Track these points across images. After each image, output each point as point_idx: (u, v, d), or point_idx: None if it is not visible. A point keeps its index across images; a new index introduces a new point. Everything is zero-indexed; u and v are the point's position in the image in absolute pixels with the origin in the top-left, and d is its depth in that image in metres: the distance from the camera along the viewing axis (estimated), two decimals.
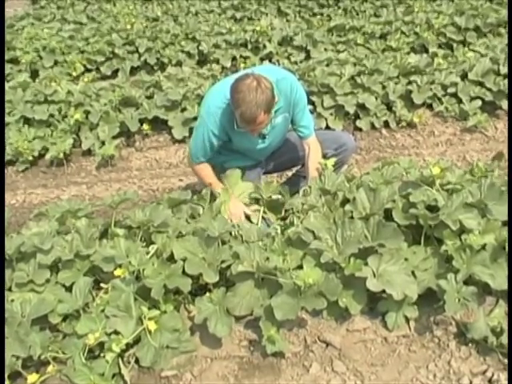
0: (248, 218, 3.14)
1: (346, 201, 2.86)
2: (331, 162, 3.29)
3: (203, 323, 2.34)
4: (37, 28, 9.49)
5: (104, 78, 7.83)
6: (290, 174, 4.32)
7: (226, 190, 3.23)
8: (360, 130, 5.48)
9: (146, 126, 5.58)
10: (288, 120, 3.43)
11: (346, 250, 2.43)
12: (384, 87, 5.66)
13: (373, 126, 5.48)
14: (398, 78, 5.84)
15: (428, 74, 5.79)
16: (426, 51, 7.22)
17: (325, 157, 3.44)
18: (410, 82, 5.72)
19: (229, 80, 3.34)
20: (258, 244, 2.60)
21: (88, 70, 8.03)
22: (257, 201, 3.29)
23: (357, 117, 5.55)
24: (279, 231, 2.80)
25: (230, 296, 2.40)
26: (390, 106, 5.57)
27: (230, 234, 2.74)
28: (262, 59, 7.77)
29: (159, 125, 5.71)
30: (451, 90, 5.55)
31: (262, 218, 3.17)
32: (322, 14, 9.88)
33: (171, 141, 5.60)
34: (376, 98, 5.54)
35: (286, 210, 3.08)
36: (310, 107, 5.50)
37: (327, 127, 5.42)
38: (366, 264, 2.34)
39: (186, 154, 3.62)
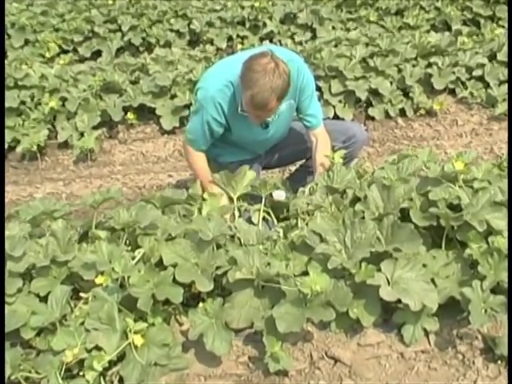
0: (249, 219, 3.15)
1: (356, 199, 2.87)
2: (340, 154, 3.31)
3: (198, 339, 2.35)
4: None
5: (82, 60, 7.84)
6: (293, 168, 4.33)
7: (215, 195, 3.22)
8: (372, 119, 5.50)
9: (130, 115, 5.59)
10: (293, 108, 3.44)
11: (357, 254, 2.43)
12: (400, 70, 5.68)
13: (387, 115, 5.50)
14: (416, 60, 5.86)
15: (450, 55, 5.81)
16: (449, 29, 7.24)
17: (332, 150, 3.46)
18: (429, 65, 5.74)
19: (228, 61, 3.37)
20: (257, 248, 2.61)
21: (64, 51, 8.04)
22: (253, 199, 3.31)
23: (369, 104, 5.57)
24: (281, 234, 2.81)
25: (227, 307, 2.41)
26: (406, 92, 5.59)
27: (227, 236, 2.75)
28: (261, 39, 7.78)
29: (146, 114, 5.73)
30: (477, 72, 5.58)
31: (263, 218, 3.18)
32: None
33: (159, 132, 5.61)
34: (391, 83, 5.56)
35: (288, 211, 3.08)
36: (317, 94, 5.52)
37: (335, 116, 5.43)
38: (380, 270, 2.35)
39: (183, 141, 3.61)
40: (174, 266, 2.53)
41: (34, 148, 5.28)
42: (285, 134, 3.68)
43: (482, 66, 5.57)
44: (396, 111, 5.49)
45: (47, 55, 7.77)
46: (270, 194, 3.22)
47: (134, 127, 5.67)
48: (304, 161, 3.94)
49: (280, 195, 3.19)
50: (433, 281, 2.40)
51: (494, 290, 2.32)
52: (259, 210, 3.14)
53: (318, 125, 3.50)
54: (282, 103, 3.15)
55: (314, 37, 7.56)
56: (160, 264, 2.58)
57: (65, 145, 5.52)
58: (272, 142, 3.66)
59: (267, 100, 2.97)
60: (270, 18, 8.03)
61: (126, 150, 5.49)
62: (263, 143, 3.60)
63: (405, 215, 2.64)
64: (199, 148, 3.45)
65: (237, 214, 3.15)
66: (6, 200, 4.89)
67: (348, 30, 7.49)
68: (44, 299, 2.56)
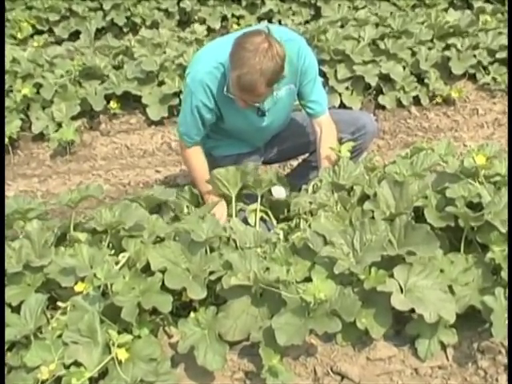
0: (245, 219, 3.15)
1: (365, 197, 2.87)
2: (347, 147, 3.31)
3: (189, 351, 2.35)
4: None
5: (59, 42, 7.83)
6: (295, 163, 4.33)
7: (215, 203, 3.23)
8: (383, 108, 5.51)
9: (113, 104, 5.59)
10: (294, 94, 3.44)
11: (366, 258, 2.43)
12: (414, 54, 5.69)
13: (399, 103, 5.51)
14: (431, 42, 5.87)
15: (471, 36, 5.81)
16: (469, 6, 7.25)
17: (339, 142, 3.46)
18: (447, 47, 5.74)
19: (219, 42, 3.36)
20: (255, 251, 2.62)
21: (38, 32, 8.02)
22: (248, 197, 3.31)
23: (379, 91, 5.58)
24: (282, 236, 2.82)
25: (221, 317, 2.42)
26: (421, 78, 5.60)
27: (221, 238, 2.76)
28: (259, 19, 7.78)
29: (130, 102, 5.73)
30: (501, 55, 5.58)
31: (261, 219, 3.18)
32: None
33: (146, 122, 5.62)
34: (404, 68, 5.57)
35: (289, 210, 3.09)
36: (321, 80, 5.52)
37: (341, 105, 5.44)
38: (392, 276, 2.35)
39: (178, 139, 3.62)
40: (163, 271, 2.53)
41: (6, 141, 5.27)
42: (285, 123, 3.68)
43: (507, 48, 5.56)
44: (409, 99, 5.49)
45: (19, 36, 7.75)
46: (269, 191, 3.23)
47: (117, 117, 5.67)
48: (307, 155, 3.94)
49: (280, 193, 3.20)
50: (450, 288, 2.40)
51: None
52: (256, 210, 3.15)
53: (322, 112, 3.50)
54: (273, 89, 3.14)
55: (317, 16, 7.56)
56: (147, 269, 2.59)
57: (40, 137, 5.52)
58: (271, 133, 3.65)
59: (255, 83, 2.96)
60: None
61: (109, 143, 5.49)
62: (261, 133, 3.59)
63: (419, 215, 2.65)
64: (193, 140, 3.45)
65: (233, 213, 3.16)
66: None
67: (356, 8, 7.51)
68: (17, 309, 2.55)
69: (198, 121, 3.36)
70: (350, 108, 5.40)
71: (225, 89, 3.17)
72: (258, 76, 2.93)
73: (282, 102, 3.42)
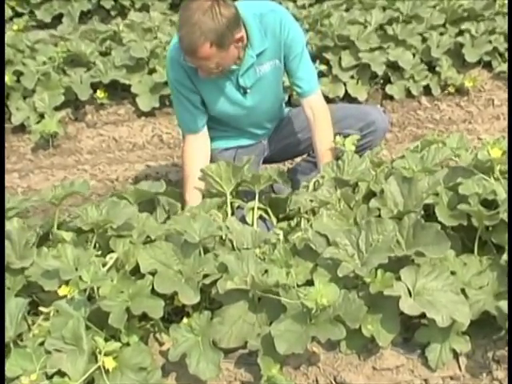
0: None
1: (371, 194, 2.87)
2: (352, 140, 3.30)
3: (181, 360, 2.35)
4: None
5: (42, 26, 7.82)
6: (298, 159, 4.33)
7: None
8: (391, 98, 5.51)
9: (100, 94, 5.59)
10: (279, 70, 3.43)
11: (372, 259, 2.43)
12: (425, 40, 5.69)
13: (409, 94, 5.51)
14: (444, 27, 5.87)
15: (487, 20, 5.80)
16: None
17: (344, 136, 3.43)
18: (460, 32, 5.74)
19: None
20: (253, 252, 2.61)
21: (18, 15, 8.01)
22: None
23: (387, 81, 5.58)
24: (282, 236, 2.82)
25: (216, 323, 2.42)
26: (432, 66, 5.60)
27: (216, 238, 2.76)
28: None
29: (119, 92, 5.73)
30: None
31: (260, 217, 3.18)
32: None
33: (135, 113, 5.62)
34: (413, 55, 5.57)
35: (290, 209, 3.09)
36: (323, 67, 5.52)
37: (346, 95, 5.44)
38: (399, 279, 2.35)
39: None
40: (153, 273, 2.53)
41: None
42: (276, 105, 3.68)
43: None
44: (419, 89, 5.49)
45: None
46: (271, 188, 3.23)
47: (104, 108, 5.67)
48: (312, 151, 3.93)
49: (279, 188, 3.20)
50: (463, 292, 2.39)
51: None
52: (255, 208, 3.15)
53: (311, 91, 3.49)
54: (230, 52, 3.11)
55: None
56: (136, 272, 2.59)
57: (21, 129, 5.52)
58: (262, 116, 3.65)
59: (195, 43, 2.95)
60: None
61: (96, 136, 5.49)
62: (250, 117, 3.59)
63: (430, 213, 2.65)
64: (189, 129, 3.48)
65: (228, 212, 3.16)
66: None
67: None
68: None
69: (184, 103, 3.39)
70: (355, 98, 5.40)
71: (182, 57, 3.18)
72: (197, 36, 2.93)
73: (266, 79, 3.42)
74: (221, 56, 3.07)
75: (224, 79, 3.35)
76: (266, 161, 3.98)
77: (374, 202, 2.76)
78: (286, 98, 4.80)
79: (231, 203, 3.23)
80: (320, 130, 3.43)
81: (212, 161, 3.42)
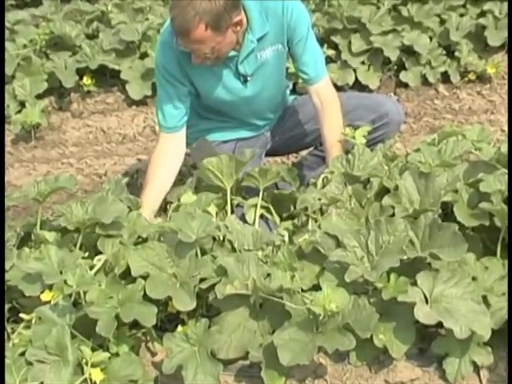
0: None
1: (384, 191, 2.87)
2: (363, 131, 3.30)
3: (176, 372, 2.35)
4: None
5: (21, 5, 7.82)
6: (304, 153, 4.33)
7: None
8: (405, 86, 5.52)
9: (87, 80, 5.59)
10: (282, 55, 3.43)
11: (382, 262, 2.43)
12: (443, 22, 5.68)
13: (425, 81, 5.52)
14: (464, 8, 5.86)
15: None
16: None
17: (355, 128, 3.43)
18: (482, 13, 5.72)
19: None
20: (254, 254, 2.62)
21: None
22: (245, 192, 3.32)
23: (401, 67, 5.58)
24: (287, 237, 2.82)
25: (214, 331, 2.42)
26: (451, 51, 5.59)
27: (214, 239, 2.76)
28: None
29: (107, 78, 5.73)
30: None
31: (262, 216, 3.18)
32: None
33: (125, 102, 5.62)
34: (430, 39, 5.56)
35: (295, 208, 3.09)
36: (331, 52, 5.52)
37: (356, 83, 5.44)
38: (415, 284, 2.35)
39: None
40: (145, 277, 2.53)
41: None
42: (278, 94, 3.67)
43: None
44: (437, 76, 5.49)
45: None
46: (275, 184, 3.22)
47: (91, 96, 5.67)
48: (319, 144, 3.92)
49: (286, 185, 3.20)
50: (485, 299, 2.38)
51: None
52: (256, 206, 3.15)
53: (318, 78, 3.48)
54: (227, 36, 3.10)
55: None
56: (126, 275, 2.59)
57: None
58: (264, 106, 3.65)
59: (189, 25, 2.95)
60: None
61: (82, 126, 5.50)
62: (250, 107, 3.59)
63: (448, 212, 2.65)
64: (167, 125, 3.44)
65: (228, 209, 3.16)
66: None
67: None
68: None
69: (169, 94, 3.37)
70: (366, 87, 5.40)
71: (174, 41, 3.17)
72: (191, 16, 2.92)
73: (268, 65, 3.41)
74: (217, 40, 3.06)
75: (222, 66, 3.34)
76: (269, 154, 3.98)
77: (387, 200, 2.75)
78: (291, 86, 4.80)
79: (231, 200, 3.23)
80: (329, 121, 3.43)
81: (212, 155, 3.40)
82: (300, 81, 4.49)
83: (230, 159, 3.20)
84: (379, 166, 3.04)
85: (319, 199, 2.89)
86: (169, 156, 3.45)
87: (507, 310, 2.28)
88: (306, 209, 2.93)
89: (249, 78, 3.40)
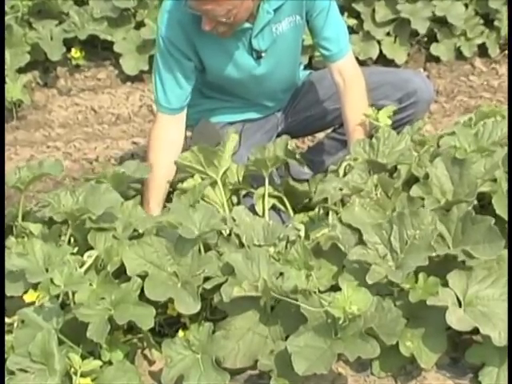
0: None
1: (412, 180, 2.87)
2: (387, 112, 3.28)
3: (176, 383, 2.36)
4: None
5: None
6: (321, 135, 4.32)
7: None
8: (437, 60, 5.49)
9: (76, 53, 5.59)
10: (301, 29, 3.43)
11: (410, 261, 2.43)
12: None
13: (459, 55, 5.50)
14: None
15: None
16: None
17: (378, 109, 3.41)
18: None
19: None
20: (265, 251, 2.62)
21: None
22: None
23: (432, 39, 5.55)
24: (303, 232, 2.82)
25: (219, 337, 2.43)
26: (489, 20, 5.56)
27: (220, 233, 2.77)
28: None
29: (98, 51, 5.73)
30: None
31: (272, 208, 3.18)
32: None
33: (119, 78, 5.62)
34: (466, 6, 5.54)
35: (311, 199, 3.09)
36: (352, 22, 5.51)
37: (381, 57, 5.42)
38: (446, 285, 2.36)
39: None
40: (142, 276, 2.54)
41: None
42: (293, 73, 3.67)
43: None
44: (473, 49, 5.47)
45: None
46: (287, 170, 3.22)
47: (81, 71, 5.67)
48: (337, 126, 3.91)
49: (297, 170, 3.19)
50: None
51: None
52: (265, 195, 3.15)
53: (341, 54, 3.47)
54: (243, 4, 3.11)
55: None
56: (121, 274, 2.60)
57: None
58: (276, 85, 3.63)
59: None
60: None
61: (70, 105, 5.50)
62: (260, 87, 3.58)
63: (485, 204, 2.65)
64: (169, 105, 3.42)
65: (223, 197, 3.16)
66: None
67: None
68: None
69: (172, 70, 3.35)
70: (392, 61, 5.39)
71: (183, 2, 3.16)
72: None
73: (284, 40, 3.40)
74: (234, 3, 3.05)
75: (233, 40, 3.32)
76: (280, 136, 3.97)
77: (416, 190, 2.74)
78: (307, 61, 4.80)
79: (237, 190, 3.24)
80: (352, 102, 3.41)
81: (216, 138, 3.39)
82: (317, 54, 4.46)
83: (203, 150, 3.18)
84: (407, 152, 3.02)
85: (340, 189, 2.88)
86: (171, 140, 3.44)
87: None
88: (324, 200, 2.92)
89: (263, 54, 3.38)
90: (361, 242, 2.54)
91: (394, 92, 3.58)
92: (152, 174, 3.30)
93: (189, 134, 3.67)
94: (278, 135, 3.87)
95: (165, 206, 3.30)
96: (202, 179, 3.22)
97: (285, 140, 3.35)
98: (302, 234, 2.79)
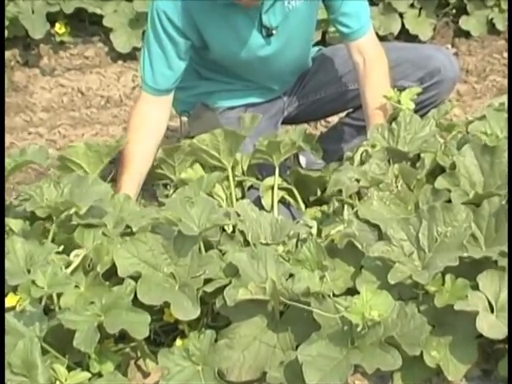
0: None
1: (438, 170, 2.88)
2: (410, 94, 3.27)
3: None
4: None
5: None
6: (334, 120, 4.32)
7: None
8: (467, 35, 5.48)
9: (60, 28, 5.59)
10: (316, 4, 3.44)
11: (438, 261, 2.43)
12: None
13: (492, 28, 5.48)
14: None
15: None
16: None
17: (399, 90, 3.41)
18: None
19: None
20: (273, 249, 2.63)
21: None
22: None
23: (461, 10, 5.55)
24: (315, 229, 2.82)
25: (222, 346, 2.43)
26: None
27: (223, 230, 2.77)
28: None
29: (86, 26, 5.74)
30: None
31: (282, 201, 3.19)
32: None
33: (109, 56, 5.63)
34: None
35: (324, 191, 3.09)
36: None
37: (403, 33, 5.41)
38: (476, 288, 2.36)
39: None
40: (136, 278, 2.54)
41: None
42: (304, 53, 3.67)
43: None
44: (506, 22, 5.46)
45: None
46: (296, 159, 3.22)
47: (66, 48, 5.68)
48: (351, 110, 3.92)
49: (312, 161, 3.19)
50: None
51: None
52: (274, 187, 3.15)
53: (362, 31, 3.48)
54: None
55: None
56: (112, 275, 2.60)
57: None
58: (286, 66, 3.64)
59: None
60: None
61: (54, 86, 5.51)
62: (270, 66, 3.58)
63: None
64: (156, 85, 3.42)
65: (232, 194, 3.16)
66: None
67: None
68: None
69: (164, 47, 3.35)
70: (416, 37, 5.38)
71: None
72: None
73: (297, 16, 3.40)
74: None
75: (241, 16, 3.33)
76: (287, 121, 3.98)
77: (441, 181, 2.75)
78: (320, 37, 4.80)
79: (242, 182, 3.24)
80: (373, 84, 3.42)
81: (215, 125, 3.39)
82: (332, 30, 4.45)
83: (226, 134, 3.18)
84: (431, 139, 3.02)
85: (357, 180, 2.88)
86: (152, 123, 3.45)
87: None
88: (339, 192, 2.92)
89: (273, 32, 3.38)
90: (380, 239, 2.55)
91: (415, 71, 3.58)
92: (133, 161, 3.34)
93: (184, 120, 3.67)
94: (285, 120, 3.88)
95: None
96: (203, 168, 3.22)
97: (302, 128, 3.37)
98: (314, 231, 2.79)
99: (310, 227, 2.81)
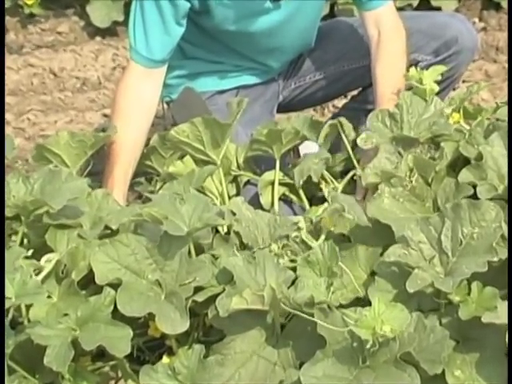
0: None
1: (461, 162, 2.88)
2: (435, 73, 3.27)
3: None
4: None
5: None
6: (339, 104, 4.32)
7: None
8: (497, 7, 5.49)
9: (29, 0, 5.60)
10: None
11: (462, 266, 2.44)
12: None
13: None
14: None
15: None
16: None
17: (415, 66, 3.41)
18: None
19: None
20: (272, 252, 2.64)
21: None
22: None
23: None
24: (303, 223, 2.82)
25: (214, 364, 2.43)
26: None
27: (216, 231, 2.77)
28: None
29: None
30: None
31: (283, 199, 3.20)
32: None
33: (85, 31, 5.63)
34: None
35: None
36: None
37: (423, 4, 5.43)
38: (506, 297, 2.35)
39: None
40: (116, 286, 2.54)
41: None
42: (313, 24, 3.69)
43: None
44: None
45: None
46: (296, 151, 3.23)
47: (36, 22, 5.69)
48: (360, 90, 3.92)
49: (310, 148, 3.20)
50: None
51: None
52: (275, 182, 3.16)
53: (380, 2, 3.47)
54: None
55: None
56: (89, 283, 2.62)
57: None
58: (290, 41, 3.65)
59: None
60: None
61: (22, 67, 5.52)
62: (272, 40, 3.59)
63: None
64: (150, 55, 3.38)
65: (223, 191, 3.17)
66: None
67: None
68: None
69: (163, 9, 3.32)
70: (438, 9, 5.39)
71: None
72: None
73: None
74: None
75: None
76: (282, 108, 3.99)
77: (466, 174, 2.75)
78: (327, 10, 4.80)
79: (237, 177, 3.25)
80: (386, 60, 3.42)
81: (204, 110, 3.38)
82: (340, 1, 4.47)
83: (207, 122, 3.16)
84: (441, 120, 3.02)
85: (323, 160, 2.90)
86: (146, 104, 3.44)
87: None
88: (316, 183, 2.94)
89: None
90: (394, 241, 2.54)
91: (429, 41, 3.58)
92: (118, 146, 3.32)
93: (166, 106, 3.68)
94: (280, 108, 3.87)
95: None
96: (195, 161, 3.22)
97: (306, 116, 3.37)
98: (303, 224, 2.78)
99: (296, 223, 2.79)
